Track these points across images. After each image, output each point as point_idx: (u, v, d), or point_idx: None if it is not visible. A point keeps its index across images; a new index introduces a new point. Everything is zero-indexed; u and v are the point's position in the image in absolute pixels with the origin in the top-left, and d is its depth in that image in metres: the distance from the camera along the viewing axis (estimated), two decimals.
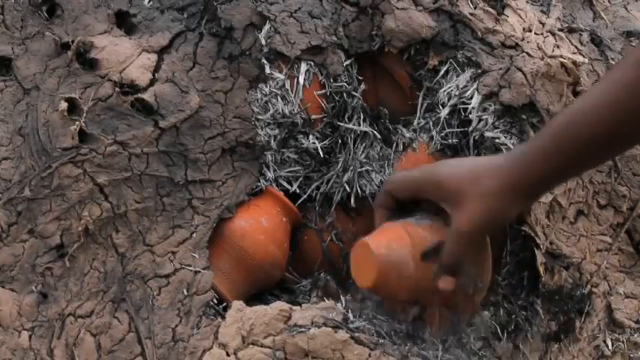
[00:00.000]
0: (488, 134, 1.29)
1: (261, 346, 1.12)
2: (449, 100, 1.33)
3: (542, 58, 1.32)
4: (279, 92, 1.30)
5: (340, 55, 1.33)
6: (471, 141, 1.31)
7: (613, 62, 1.36)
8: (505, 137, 1.28)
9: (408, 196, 1.17)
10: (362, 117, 1.36)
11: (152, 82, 1.26)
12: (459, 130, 1.32)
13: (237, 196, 1.27)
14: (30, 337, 1.17)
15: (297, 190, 1.34)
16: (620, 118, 0.99)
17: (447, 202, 1.11)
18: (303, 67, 1.30)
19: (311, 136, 1.32)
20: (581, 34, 1.39)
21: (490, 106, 1.29)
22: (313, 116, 1.32)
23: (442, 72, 1.34)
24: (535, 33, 1.36)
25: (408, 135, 1.36)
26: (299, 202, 1.34)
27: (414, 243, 1.12)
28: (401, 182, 1.18)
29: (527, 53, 1.32)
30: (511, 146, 1.26)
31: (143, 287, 1.20)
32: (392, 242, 1.13)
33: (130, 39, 1.29)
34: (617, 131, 1.00)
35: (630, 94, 0.97)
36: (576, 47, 1.36)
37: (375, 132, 1.37)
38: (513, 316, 1.21)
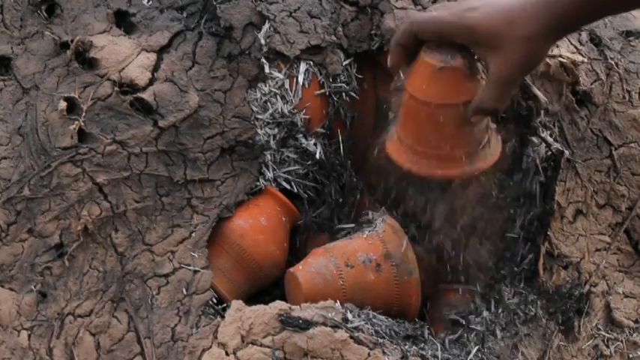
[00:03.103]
0: None
1: (261, 345, 1.12)
2: None
3: None
4: (278, 92, 1.30)
5: (339, 54, 1.33)
6: None
7: (612, 62, 1.36)
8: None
9: (432, 38, 1.11)
10: None
11: (151, 82, 1.26)
12: None
13: (236, 195, 1.27)
14: (29, 336, 1.17)
15: (296, 190, 1.34)
16: None
17: (481, 46, 1.08)
18: (303, 66, 1.30)
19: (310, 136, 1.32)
20: (580, 34, 1.38)
21: None
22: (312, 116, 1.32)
23: None
24: None
25: None
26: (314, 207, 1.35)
27: (333, 253, 1.22)
28: (428, 23, 1.11)
29: None
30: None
31: (142, 287, 1.20)
32: (307, 259, 1.23)
33: (130, 38, 1.29)
34: None
35: None
36: (575, 47, 1.35)
37: None
38: (513, 316, 1.21)
